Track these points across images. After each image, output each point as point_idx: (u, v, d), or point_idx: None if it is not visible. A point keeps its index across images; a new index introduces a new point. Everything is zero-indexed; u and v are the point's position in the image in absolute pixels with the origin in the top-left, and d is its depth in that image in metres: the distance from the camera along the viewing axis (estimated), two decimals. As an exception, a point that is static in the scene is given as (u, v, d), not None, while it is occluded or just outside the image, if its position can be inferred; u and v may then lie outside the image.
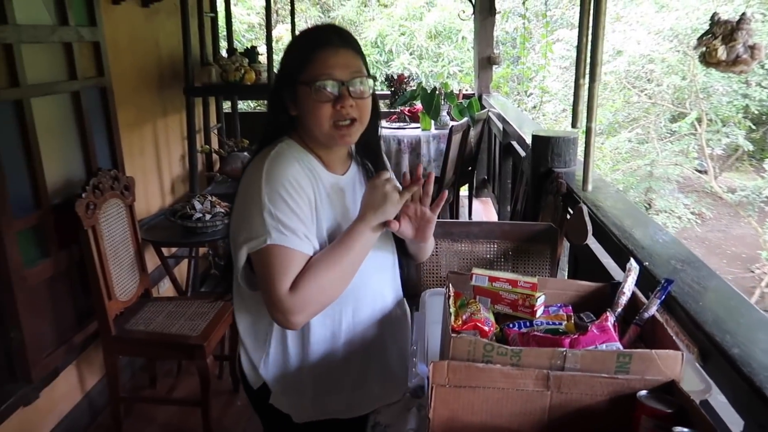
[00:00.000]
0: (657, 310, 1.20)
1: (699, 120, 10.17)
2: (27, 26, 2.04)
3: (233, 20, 9.49)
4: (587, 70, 1.44)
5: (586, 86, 1.45)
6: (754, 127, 10.31)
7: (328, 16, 11.23)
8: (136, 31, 2.96)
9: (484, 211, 5.30)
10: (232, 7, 9.49)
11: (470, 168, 4.78)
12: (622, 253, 1.61)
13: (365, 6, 11.44)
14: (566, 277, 2.35)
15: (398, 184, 1.18)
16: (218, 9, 4.00)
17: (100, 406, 2.53)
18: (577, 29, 1.50)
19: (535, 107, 10.45)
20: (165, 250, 3.04)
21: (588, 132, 1.48)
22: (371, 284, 1.29)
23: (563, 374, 1.02)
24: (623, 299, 1.27)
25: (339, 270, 1.11)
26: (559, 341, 1.09)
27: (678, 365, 1.03)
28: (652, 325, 1.19)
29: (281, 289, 1.07)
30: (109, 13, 2.66)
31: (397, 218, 1.17)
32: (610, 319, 1.18)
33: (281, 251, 1.08)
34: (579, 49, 1.41)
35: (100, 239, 2.25)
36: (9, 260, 1.93)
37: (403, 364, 1.38)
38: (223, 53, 3.67)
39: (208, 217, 2.71)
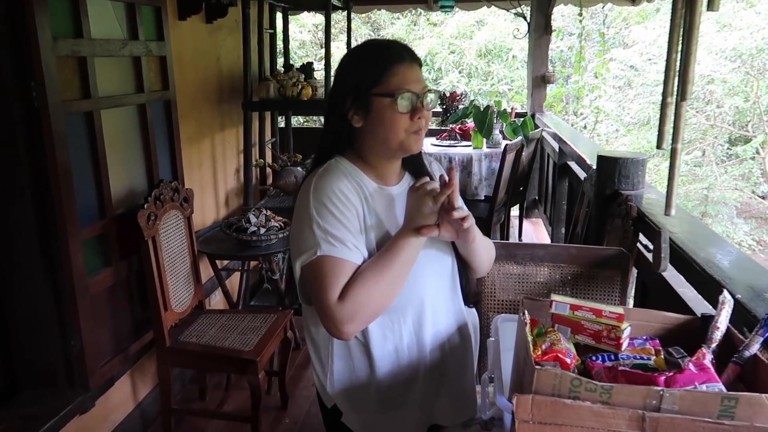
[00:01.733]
0: (759, 350, 1.09)
1: (763, 144, 9.74)
2: (100, 40, 2.09)
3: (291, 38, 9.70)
4: (676, 88, 1.35)
5: (674, 105, 1.37)
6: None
7: (379, 35, 11.34)
8: (199, 47, 3.02)
9: (535, 232, 5.17)
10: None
11: (522, 188, 4.67)
12: (706, 284, 1.50)
13: (415, 24, 11.50)
14: (632, 307, 2.23)
15: (437, 188, 1.19)
16: (277, 26, 4.06)
17: (152, 417, 2.54)
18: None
19: (585, 127, 10.22)
20: (218, 263, 3.06)
21: (673, 153, 1.40)
22: (430, 293, 1.28)
23: (660, 416, 0.93)
24: (717, 334, 1.17)
25: (386, 277, 1.12)
26: (652, 379, 1.00)
27: (790, 412, 0.93)
28: (754, 364, 1.09)
29: (331, 298, 1.08)
30: (175, 29, 2.72)
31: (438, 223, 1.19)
32: (708, 356, 1.08)
33: (331, 261, 1.10)
34: (668, 65, 1.33)
35: (159, 250, 2.27)
36: (74, 268, 1.96)
37: (470, 381, 1.36)
38: (281, 69, 3.71)
39: (262, 230, 2.71)
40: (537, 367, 1.01)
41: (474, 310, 1.46)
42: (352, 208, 1.16)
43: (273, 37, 3.82)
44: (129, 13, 2.26)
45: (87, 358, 2.04)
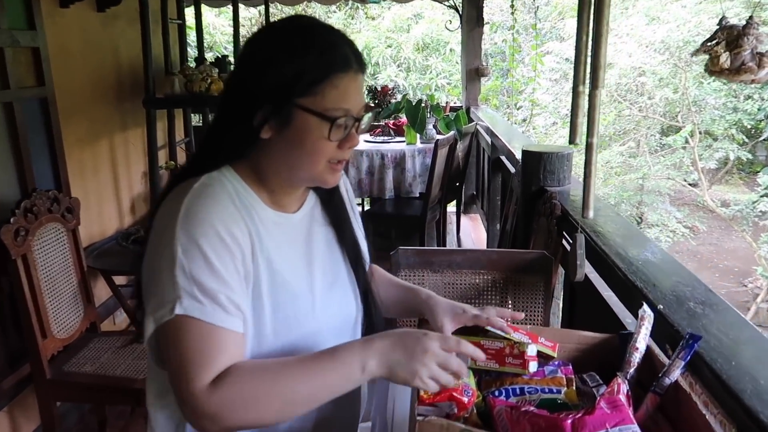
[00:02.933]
0: (681, 374, 0.95)
1: (691, 133, 10.05)
2: (-56, 28, 1.78)
3: (216, 32, 9.26)
4: (587, 76, 1.20)
5: (586, 94, 1.21)
6: (746, 140, 10.20)
7: (315, 29, 11.05)
8: (90, 37, 2.71)
9: (473, 228, 5.07)
10: (214, 18, 9.25)
11: (458, 183, 4.55)
12: (629, 291, 1.36)
13: (352, 18, 11.28)
14: (561, 311, 2.11)
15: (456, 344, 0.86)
16: (189, 17, 3.76)
17: (39, 457, 2.24)
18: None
19: (525, 120, 10.28)
20: (122, 278, 2.77)
21: (588, 148, 1.25)
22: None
23: (565, 473, 0.77)
24: (636, 356, 1.02)
25: (291, 392, 0.81)
26: (558, 422, 0.84)
27: (716, 458, 0.78)
28: (676, 393, 0.94)
29: (197, 381, 0.77)
30: (56, 18, 2.42)
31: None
32: (623, 388, 0.93)
33: (197, 326, 0.79)
34: (578, 49, 1.18)
35: (33, 269, 1.97)
36: None
37: None
38: (192, 64, 3.43)
39: (165, 241, 2.45)
40: (419, 417, 0.83)
41: None
42: (237, 250, 0.85)
43: (182, 28, 3.53)
44: (-14, -2, 1.96)
45: (-59, 401, 1.74)
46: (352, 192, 1.17)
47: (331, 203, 1.06)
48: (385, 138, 4.51)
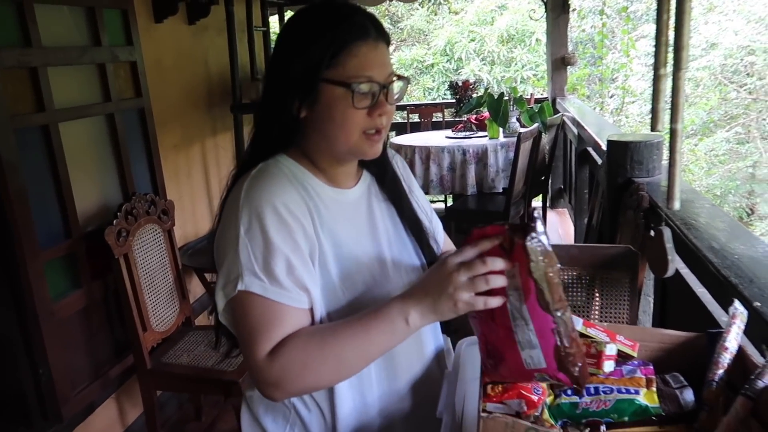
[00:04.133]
0: (777, 378, 0.86)
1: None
2: (54, 48, 1.96)
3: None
4: (668, 57, 1.12)
5: (669, 77, 1.13)
6: None
7: (398, 27, 11.11)
8: (182, 49, 2.89)
9: (561, 223, 4.90)
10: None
11: (543, 177, 4.41)
12: (722, 287, 1.26)
13: (435, 14, 11.22)
14: (652, 309, 1.98)
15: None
16: (272, 24, 3.91)
17: (143, 441, 2.42)
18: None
19: (617, 109, 9.77)
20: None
21: (672, 135, 1.16)
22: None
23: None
24: (726, 357, 0.94)
25: (341, 353, 0.84)
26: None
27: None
28: (771, 398, 0.86)
29: (258, 352, 0.83)
30: (151, 32, 2.59)
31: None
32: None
33: (258, 302, 0.84)
34: (659, 29, 1.10)
35: (133, 267, 2.14)
36: (35, 293, 1.85)
37: None
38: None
39: (252, 240, 2.56)
40: (483, 414, 0.81)
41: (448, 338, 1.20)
42: (297, 225, 0.89)
43: (266, 35, 3.67)
44: (89, 19, 2.14)
45: (57, 386, 1.93)
46: (408, 170, 1.18)
47: (385, 180, 1.08)
48: (467, 133, 4.46)
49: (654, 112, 1.18)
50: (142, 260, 2.21)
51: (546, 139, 4.13)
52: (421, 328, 0.87)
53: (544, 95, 5.45)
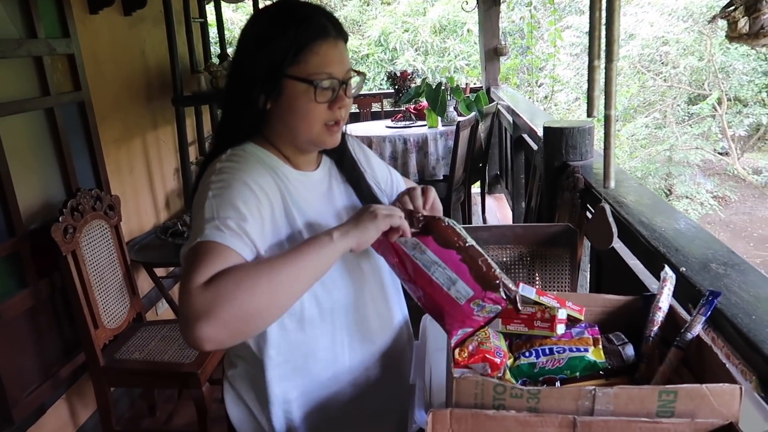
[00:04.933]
0: (702, 329, 1.00)
1: (719, 101, 9.82)
2: (-12, 41, 1.89)
3: (235, 27, 9.35)
4: (601, 50, 1.24)
5: (602, 68, 1.25)
6: (776, 105, 9.93)
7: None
8: (118, 41, 2.81)
9: (498, 207, 5.10)
10: (232, 14, 9.31)
11: (481, 164, 4.58)
12: (652, 257, 1.41)
13: (367, 5, 11.26)
14: (588, 283, 2.15)
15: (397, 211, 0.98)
16: (209, 15, 3.85)
17: (97, 440, 2.38)
18: (586, 14, 1.33)
19: (546, 97, 10.18)
20: (162, 270, 2.89)
21: (607, 121, 1.29)
22: (373, 309, 1.12)
23: (593, 420, 0.83)
24: (659, 316, 1.07)
25: (275, 275, 0.83)
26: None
27: (736, 402, 0.83)
28: (698, 347, 0.99)
29: (192, 282, 0.80)
30: (86, 24, 2.51)
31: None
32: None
33: (211, 246, 0.84)
34: (592, 24, 1.22)
35: (82, 264, 2.09)
36: (-21, 294, 1.79)
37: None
38: (216, 60, 3.52)
39: (201, 233, 2.55)
40: (455, 375, 0.90)
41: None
42: (264, 199, 0.95)
43: (204, 26, 3.62)
44: (23, 9, 2.06)
45: (7, 389, 1.87)
46: (365, 149, 1.25)
47: (343, 164, 1.16)
48: (407, 123, 4.55)
49: (590, 99, 1.29)
50: (90, 257, 2.17)
51: (482, 127, 4.28)
52: (346, 249, 0.92)
53: (478, 85, 5.63)
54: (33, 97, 2.11)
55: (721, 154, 10.74)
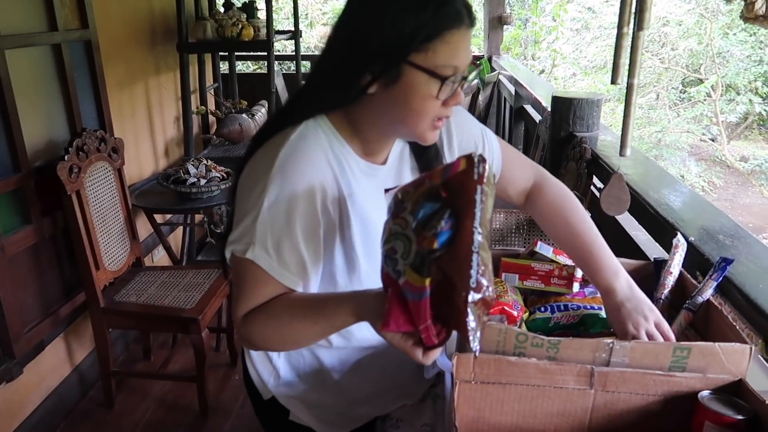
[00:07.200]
0: (712, 295, 1.04)
1: (714, 86, 9.87)
2: (-2, -31, 1.83)
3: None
4: (632, 17, 1.25)
5: (630, 35, 1.26)
6: (771, 94, 10.00)
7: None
8: (124, -20, 2.74)
9: (493, 178, 5.12)
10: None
11: (479, 133, 4.58)
12: (660, 227, 1.44)
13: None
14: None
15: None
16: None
17: (92, 380, 2.41)
18: None
19: (543, 71, 10.13)
20: (159, 217, 2.89)
21: (629, 89, 1.30)
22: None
23: (610, 371, 0.87)
24: (670, 280, 1.11)
25: (295, 326, 0.89)
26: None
27: (745, 361, 0.88)
28: (707, 311, 1.03)
29: (239, 310, 0.92)
30: (93, -40, 2.44)
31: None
32: None
33: (257, 274, 0.89)
34: (624, -10, 1.22)
35: (85, 205, 2.09)
36: (-17, 227, 1.78)
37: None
38: (221, 9, 3.44)
39: (203, 182, 2.55)
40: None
41: None
42: (323, 214, 0.91)
43: (210, -28, 3.52)
44: (33, -61, 1.99)
45: (9, 323, 1.88)
46: (451, 125, 1.08)
47: (424, 154, 1.05)
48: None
49: (615, 66, 1.30)
50: (93, 198, 2.16)
51: (482, 95, 4.27)
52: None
53: (480, 53, 5.58)
54: (41, 32, 2.06)
55: (711, 140, 10.85)
